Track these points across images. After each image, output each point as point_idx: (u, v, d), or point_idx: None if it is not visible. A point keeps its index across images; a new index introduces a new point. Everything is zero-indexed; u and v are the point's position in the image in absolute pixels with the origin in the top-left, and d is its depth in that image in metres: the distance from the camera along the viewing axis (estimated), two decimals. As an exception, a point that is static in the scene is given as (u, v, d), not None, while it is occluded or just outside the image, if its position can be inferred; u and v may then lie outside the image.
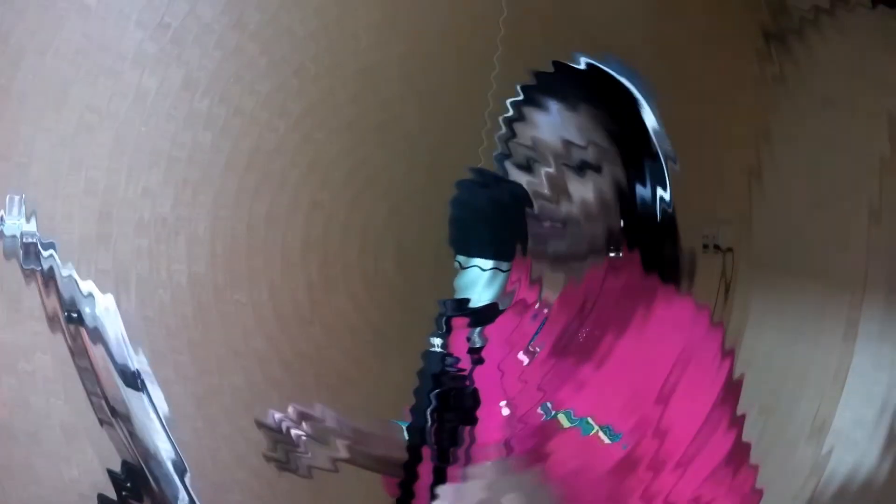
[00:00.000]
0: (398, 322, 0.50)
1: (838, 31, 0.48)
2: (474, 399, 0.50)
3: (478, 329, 0.50)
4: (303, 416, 0.50)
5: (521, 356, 0.50)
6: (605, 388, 0.50)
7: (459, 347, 0.50)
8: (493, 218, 0.50)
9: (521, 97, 0.49)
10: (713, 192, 0.50)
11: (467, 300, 0.50)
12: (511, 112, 0.49)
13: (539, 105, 0.49)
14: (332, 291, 0.49)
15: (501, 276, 0.50)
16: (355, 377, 0.50)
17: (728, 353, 0.50)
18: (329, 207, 0.49)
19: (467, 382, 0.50)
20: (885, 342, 0.49)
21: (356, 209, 0.49)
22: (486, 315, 0.50)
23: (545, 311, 0.50)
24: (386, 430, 0.50)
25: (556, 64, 0.49)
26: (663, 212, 0.49)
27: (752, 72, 0.49)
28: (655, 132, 0.49)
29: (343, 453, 0.50)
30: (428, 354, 0.50)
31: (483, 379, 0.50)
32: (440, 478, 0.50)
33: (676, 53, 0.50)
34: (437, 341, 0.50)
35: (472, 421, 0.50)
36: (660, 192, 0.49)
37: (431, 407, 0.50)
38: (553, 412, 0.51)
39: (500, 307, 0.50)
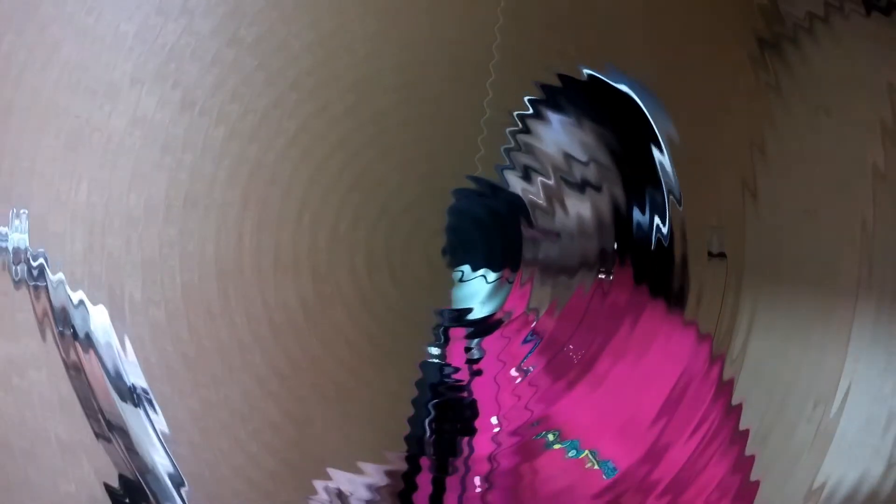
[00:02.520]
0: (395, 332, 0.50)
1: (833, 38, 0.49)
2: (472, 410, 0.50)
3: (476, 340, 0.50)
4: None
5: (514, 372, 0.50)
6: (596, 409, 0.50)
7: (457, 358, 0.50)
8: (491, 227, 0.50)
9: (523, 107, 0.50)
10: (707, 204, 0.50)
11: (465, 311, 0.50)
12: (511, 121, 0.50)
13: (538, 115, 0.50)
14: (328, 303, 0.49)
15: (499, 286, 0.50)
16: (352, 387, 0.50)
17: (717, 361, 0.50)
18: (325, 218, 0.49)
19: (465, 393, 0.50)
20: (878, 349, 0.49)
21: (353, 220, 0.49)
22: (483, 326, 0.50)
23: (537, 323, 0.50)
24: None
25: (554, 74, 0.50)
26: (658, 238, 0.50)
27: (747, 79, 0.49)
28: (661, 164, 0.50)
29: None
30: (426, 365, 0.50)
31: (482, 390, 0.50)
32: (439, 488, 0.50)
33: (671, 61, 0.50)
34: (435, 352, 0.50)
35: (471, 431, 0.50)
36: (657, 215, 0.50)
37: (430, 417, 0.50)
38: (542, 432, 0.50)
39: (499, 318, 0.50)
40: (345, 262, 0.49)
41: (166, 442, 0.50)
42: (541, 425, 0.50)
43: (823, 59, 0.49)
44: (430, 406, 0.50)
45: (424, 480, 0.50)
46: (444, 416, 0.50)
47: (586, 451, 0.50)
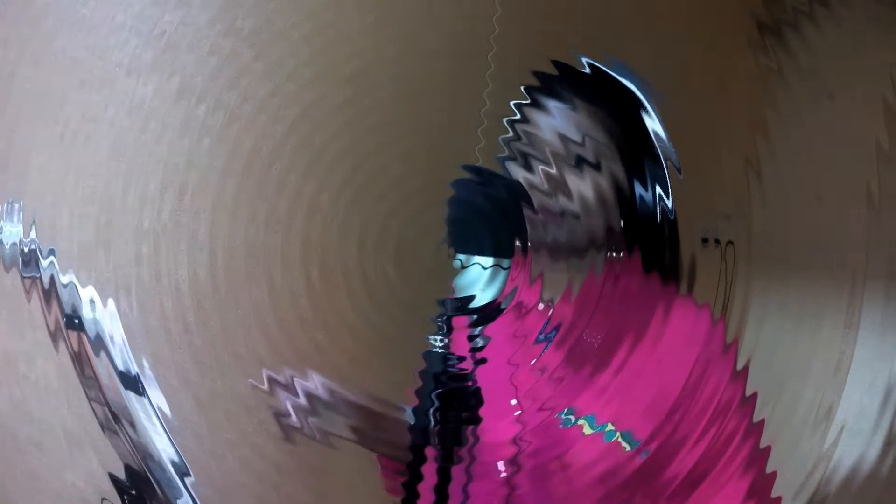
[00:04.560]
0: (399, 322, 0.50)
1: (834, 22, 0.48)
2: (477, 398, 0.50)
3: (479, 328, 0.50)
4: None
5: (526, 355, 0.50)
6: (617, 393, 0.50)
7: (461, 347, 0.50)
8: (492, 216, 0.49)
9: (521, 97, 0.49)
10: (711, 187, 0.50)
11: (468, 299, 0.50)
12: (509, 109, 0.49)
13: (537, 104, 0.49)
14: (331, 293, 0.49)
15: (502, 273, 0.50)
16: (357, 378, 0.50)
17: (730, 348, 0.49)
18: (327, 210, 0.49)
19: (470, 382, 0.50)
20: (886, 332, 0.49)
21: (354, 210, 0.49)
22: (487, 314, 0.50)
23: (547, 310, 0.50)
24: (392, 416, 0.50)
25: (552, 62, 0.49)
26: (663, 212, 0.49)
27: (747, 63, 0.49)
28: (655, 133, 0.49)
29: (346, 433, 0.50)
30: (429, 354, 0.50)
31: (487, 378, 0.50)
32: (444, 478, 0.50)
33: (671, 47, 0.49)
34: (439, 341, 0.50)
35: (476, 420, 0.50)
36: (660, 192, 0.49)
37: (434, 407, 0.50)
38: (560, 413, 0.50)
39: (502, 306, 0.50)
40: (347, 253, 0.49)
41: (172, 433, 0.50)
42: (565, 410, 0.50)
43: (825, 42, 0.48)
44: (434, 396, 0.50)
45: (430, 470, 0.50)
46: (448, 405, 0.50)
47: (618, 434, 0.50)
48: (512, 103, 0.49)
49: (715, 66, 0.49)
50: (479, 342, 0.50)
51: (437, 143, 0.49)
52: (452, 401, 0.50)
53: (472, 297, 0.50)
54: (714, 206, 0.49)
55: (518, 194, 0.49)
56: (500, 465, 0.50)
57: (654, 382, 0.50)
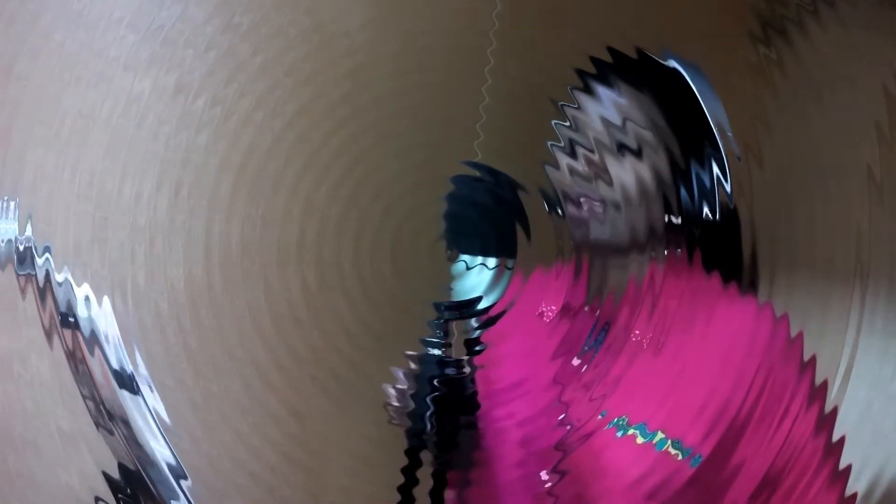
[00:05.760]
0: (395, 323, 0.49)
1: (839, 22, 0.47)
2: (474, 402, 0.49)
3: (478, 331, 0.49)
4: None
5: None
6: (666, 393, 0.49)
7: (459, 349, 0.49)
8: (492, 213, 0.49)
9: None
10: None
11: (467, 301, 0.49)
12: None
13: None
14: (327, 293, 0.49)
15: (502, 273, 0.49)
16: (353, 380, 0.49)
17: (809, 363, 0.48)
18: (324, 207, 0.49)
19: (467, 385, 0.49)
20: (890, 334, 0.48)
21: (351, 208, 0.49)
22: (486, 315, 0.49)
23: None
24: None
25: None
26: (723, 205, 0.48)
27: (748, 55, 0.48)
28: (716, 124, 0.48)
29: None
30: (426, 357, 0.49)
31: (485, 381, 0.49)
32: (440, 482, 0.49)
33: (673, 39, 0.48)
34: (436, 343, 0.49)
35: (473, 425, 0.49)
36: (717, 181, 0.48)
37: (430, 411, 0.49)
38: (611, 419, 0.49)
39: (503, 307, 0.49)
40: (344, 251, 0.49)
41: (167, 434, 0.50)
42: (606, 413, 0.49)
43: (829, 40, 0.47)
44: (429, 400, 0.49)
45: (425, 475, 0.49)
46: (445, 409, 0.49)
47: (669, 441, 0.49)
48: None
49: (717, 56, 0.48)
50: (479, 344, 0.49)
51: (436, 139, 0.48)
52: (449, 404, 0.49)
53: (470, 299, 0.49)
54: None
55: (518, 189, 0.48)
56: (543, 475, 0.49)
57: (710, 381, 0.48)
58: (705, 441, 0.49)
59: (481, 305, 0.49)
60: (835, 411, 0.48)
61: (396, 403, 0.49)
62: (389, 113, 0.48)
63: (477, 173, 0.48)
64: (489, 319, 0.49)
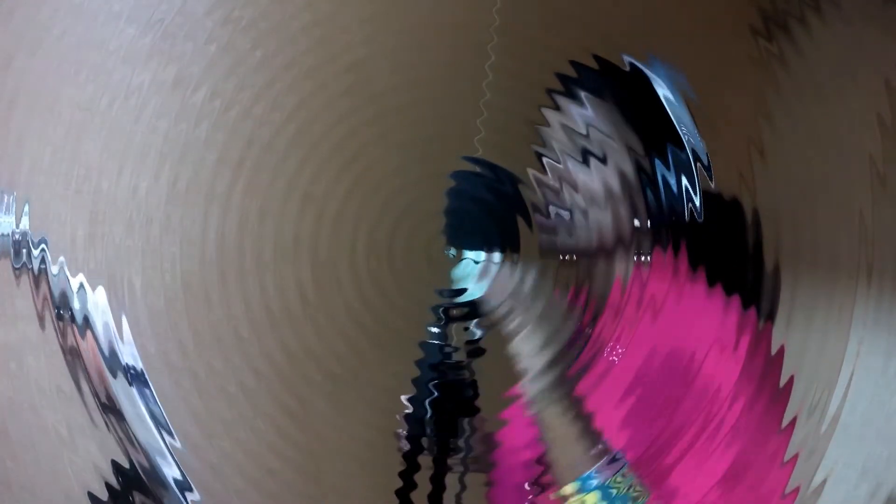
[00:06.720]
0: (395, 313, 0.50)
1: (840, 17, 0.48)
2: (474, 389, 0.50)
3: (475, 319, 0.50)
4: None
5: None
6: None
7: (458, 338, 0.50)
8: (491, 207, 0.50)
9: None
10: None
11: (465, 290, 0.50)
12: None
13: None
14: (326, 285, 0.49)
15: (499, 266, 0.50)
16: (352, 369, 0.50)
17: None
18: (322, 201, 0.49)
19: (466, 373, 0.50)
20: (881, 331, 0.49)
21: (349, 202, 0.49)
22: (483, 306, 0.50)
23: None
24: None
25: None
26: (690, 210, 0.49)
27: (749, 50, 0.49)
28: (679, 122, 0.49)
29: None
30: (426, 345, 0.50)
31: (483, 369, 0.50)
32: (439, 486, 0.50)
33: (675, 35, 0.50)
34: (435, 332, 0.50)
35: (472, 411, 0.50)
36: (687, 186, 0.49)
37: (430, 398, 0.50)
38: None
39: (498, 298, 0.50)
40: (342, 245, 0.49)
41: (163, 433, 0.50)
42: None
43: (832, 37, 0.48)
44: (430, 386, 0.50)
45: (426, 460, 0.50)
46: (445, 395, 0.50)
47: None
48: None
49: (719, 51, 0.49)
50: (476, 333, 0.50)
51: (437, 134, 0.49)
52: (449, 391, 0.50)
53: (468, 289, 0.50)
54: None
55: (517, 185, 0.49)
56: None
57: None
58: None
59: (481, 306, 0.50)
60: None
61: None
62: (389, 107, 0.49)
63: (477, 168, 0.49)
64: (489, 321, 0.50)
